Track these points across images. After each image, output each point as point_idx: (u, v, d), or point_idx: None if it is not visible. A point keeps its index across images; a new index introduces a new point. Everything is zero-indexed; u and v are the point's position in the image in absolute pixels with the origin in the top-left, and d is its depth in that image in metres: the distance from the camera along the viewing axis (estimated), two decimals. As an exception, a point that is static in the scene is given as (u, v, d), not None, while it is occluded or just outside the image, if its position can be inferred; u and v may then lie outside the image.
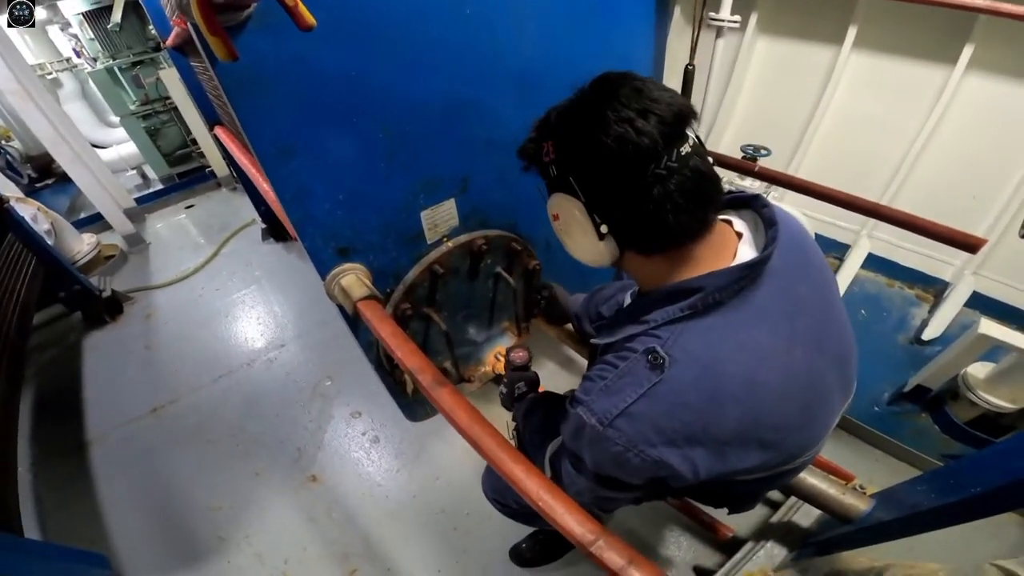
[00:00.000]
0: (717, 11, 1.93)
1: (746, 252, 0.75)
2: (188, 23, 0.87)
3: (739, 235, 0.78)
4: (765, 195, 2.04)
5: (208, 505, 2.03)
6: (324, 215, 1.19)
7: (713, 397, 0.67)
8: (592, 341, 0.86)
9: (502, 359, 1.77)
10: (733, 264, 0.72)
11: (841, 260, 2.48)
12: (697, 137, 0.70)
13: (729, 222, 0.80)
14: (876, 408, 1.91)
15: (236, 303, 3.23)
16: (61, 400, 2.67)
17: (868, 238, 2.45)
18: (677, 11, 2.34)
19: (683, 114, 0.67)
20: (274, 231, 3.75)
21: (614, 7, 1.53)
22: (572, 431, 0.78)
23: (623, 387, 0.70)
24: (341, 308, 1.29)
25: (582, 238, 0.76)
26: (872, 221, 2.38)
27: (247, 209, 3.91)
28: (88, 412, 2.56)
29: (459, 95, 1.28)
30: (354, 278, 1.23)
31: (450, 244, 1.49)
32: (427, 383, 0.96)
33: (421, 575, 1.74)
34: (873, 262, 2.46)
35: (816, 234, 2.30)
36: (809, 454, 0.83)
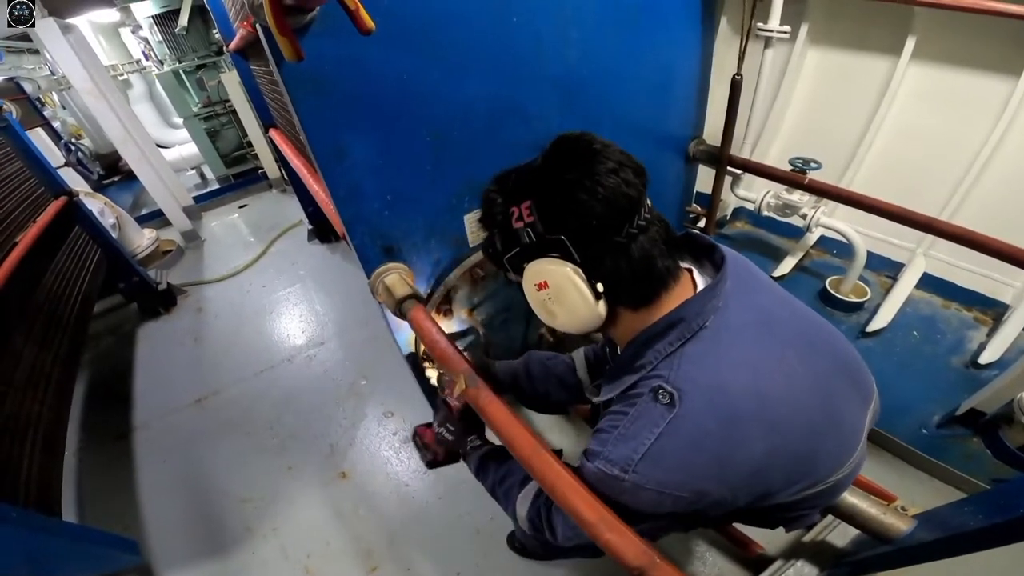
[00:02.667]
0: (766, 21, 1.89)
1: (702, 282, 0.78)
2: (257, 25, 0.92)
3: (689, 270, 0.80)
4: (816, 209, 1.98)
5: (240, 496, 2.08)
6: (373, 214, 1.23)
7: (730, 419, 0.66)
8: (594, 400, 0.86)
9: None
10: (698, 292, 0.75)
11: (894, 279, 2.37)
12: None
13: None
14: (924, 431, 1.83)
15: (281, 300, 3.35)
16: (112, 387, 2.81)
17: (924, 257, 2.33)
18: (723, 21, 2.31)
19: (644, 169, 0.70)
20: (320, 232, 3.88)
21: (659, 16, 1.54)
22: (591, 484, 0.76)
23: (639, 431, 0.69)
24: (383, 306, 1.32)
25: (578, 303, 0.72)
26: (928, 239, 2.27)
27: (295, 210, 4.06)
28: (136, 400, 2.69)
29: (504, 100, 1.31)
30: (397, 277, 1.26)
31: (490, 249, 1.51)
32: (464, 382, 0.97)
33: (440, 576, 1.74)
34: (928, 282, 2.34)
35: (868, 252, 2.21)
36: (850, 466, 0.81)
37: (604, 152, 0.67)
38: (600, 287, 0.71)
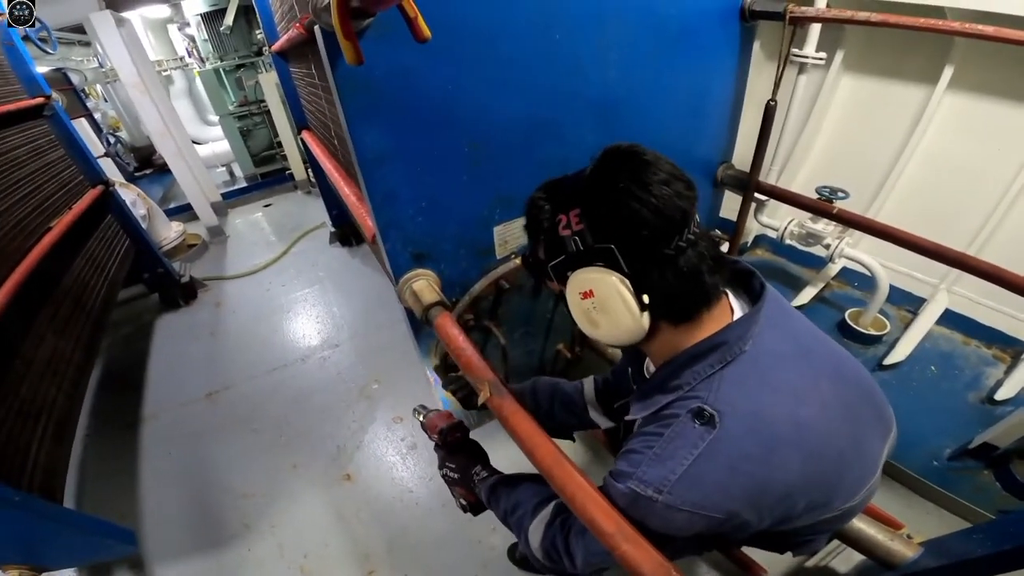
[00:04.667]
0: (801, 47, 1.90)
1: (737, 306, 0.78)
2: (315, 27, 0.95)
3: (726, 293, 0.79)
4: (840, 240, 1.97)
5: (242, 492, 2.09)
6: (407, 220, 1.25)
7: (769, 444, 0.66)
8: (626, 418, 0.85)
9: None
10: (737, 317, 0.75)
11: (914, 313, 2.34)
12: None
13: None
14: (935, 462, 1.84)
15: (299, 300, 3.39)
16: (126, 376, 2.85)
17: (947, 292, 2.30)
18: (757, 45, 2.32)
19: (694, 183, 0.70)
20: (341, 235, 3.93)
21: (698, 41, 1.55)
22: (620, 507, 0.74)
23: (675, 451, 0.68)
24: (409, 311, 1.33)
25: (623, 314, 0.71)
26: (953, 274, 2.24)
27: (318, 212, 4.13)
28: (148, 390, 2.73)
29: (541, 116, 1.33)
30: (425, 283, 1.27)
31: (518, 261, 1.52)
32: (489, 391, 0.97)
33: (437, 585, 1.72)
34: (950, 318, 2.30)
35: (890, 285, 2.18)
36: (865, 493, 0.80)
37: (656, 163, 0.67)
38: (646, 299, 0.70)
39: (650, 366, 0.94)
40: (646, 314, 0.71)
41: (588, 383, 1.26)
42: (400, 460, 2.16)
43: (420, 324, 1.29)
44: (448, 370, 1.63)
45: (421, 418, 1.28)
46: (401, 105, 1.08)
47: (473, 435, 1.90)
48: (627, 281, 0.69)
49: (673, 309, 0.72)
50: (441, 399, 1.80)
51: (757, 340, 0.71)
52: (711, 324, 0.74)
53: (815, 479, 0.70)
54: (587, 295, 0.73)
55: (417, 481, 2.06)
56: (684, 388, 0.72)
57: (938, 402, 2.02)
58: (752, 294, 0.79)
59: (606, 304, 0.71)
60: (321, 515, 1.97)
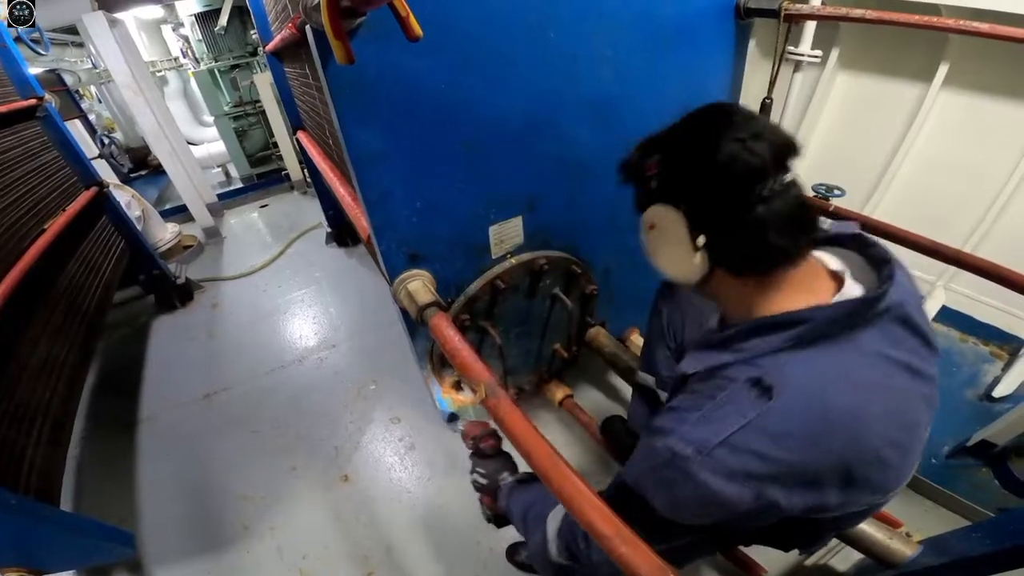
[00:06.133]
0: (797, 45, 1.90)
1: (853, 289, 0.73)
2: (307, 27, 0.95)
3: (834, 272, 0.76)
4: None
5: (240, 494, 2.07)
6: (401, 220, 1.25)
7: (819, 430, 0.65)
8: (678, 370, 0.83)
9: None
10: (839, 298, 0.71)
11: (912, 312, 2.35)
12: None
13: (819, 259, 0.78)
14: (933, 460, 1.85)
15: (295, 301, 3.37)
16: (122, 378, 2.83)
17: (944, 289, 2.31)
18: (752, 43, 2.32)
19: (791, 145, 0.69)
20: (338, 236, 3.91)
21: (693, 38, 1.55)
22: (650, 467, 0.74)
23: (726, 415, 0.67)
24: (404, 312, 1.32)
25: (676, 248, 0.75)
26: (950, 271, 2.25)
27: (314, 213, 4.11)
28: (145, 392, 2.71)
29: (537, 115, 1.32)
30: (420, 284, 1.27)
31: (513, 261, 1.52)
32: (485, 391, 0.97)
33: (436, 586, 1.71)
34: (947, 315, 2.32)
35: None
36: (894, 493, 0.78)
37: (741, 123, 0.69)
38: (701, 240, 0.72)
39: (713, 321, 0.95)
40: (700, 254, 0.73)
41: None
42: (398, 461, 2.15)
43: (416, 325, 1.28)
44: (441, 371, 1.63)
45: (462, 427, 1.31)
46: (394, 105, 1.08)
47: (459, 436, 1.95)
48: (684, 220, 0.73)
49: (730, 258, 0.73)
50: (438, 400, 1.80)
51: (855, 334, 0.68)
52: (786, 291, 0.73)
53: (855, 472, 0.68)
54: (653, 227, 0.79)
55: (415, 482, 2.05)
56: (747, 353, 0.71)
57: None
58: (877, 284, 0.73)
59: (663, 237, 0.77)
60: (320, 516, 1.96)
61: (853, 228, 0.83)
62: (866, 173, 2.32)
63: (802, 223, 0.70)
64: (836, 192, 1.93)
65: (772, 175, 0.67)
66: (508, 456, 1.25)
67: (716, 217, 0.71)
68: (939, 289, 2.31)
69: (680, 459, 0.68)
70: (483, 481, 1.19)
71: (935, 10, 1.79)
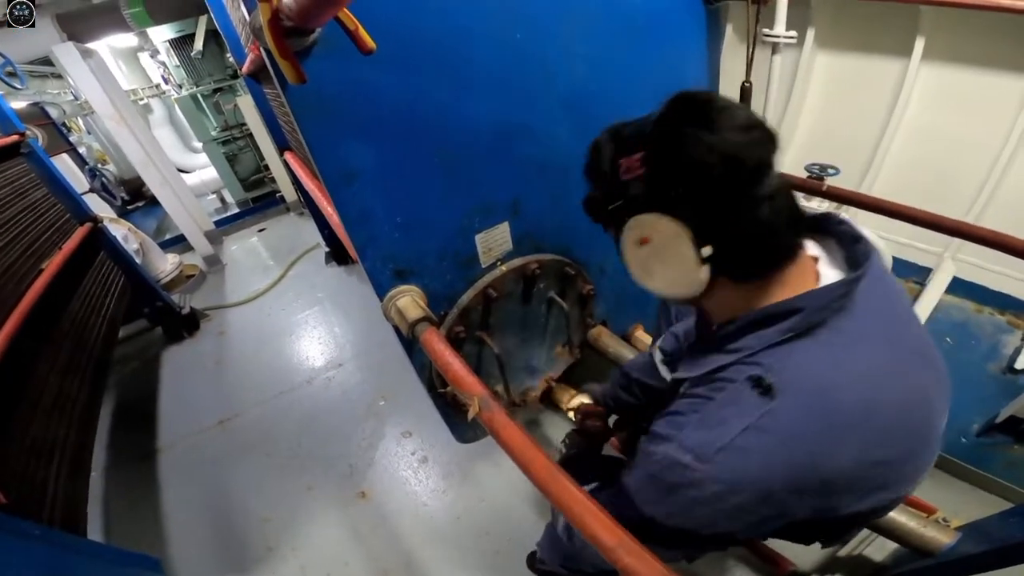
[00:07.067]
0: (771, 27, 1.87)
1: (830, 273, 0.70)
2: (261, 48, 0.94)
3: (815, 258, 0.72)
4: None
5: (261, 516, 2.10)
6: (383, 237, 1.23)
7: (829, 428, 0.61)
8: (674, 376, 0.80)
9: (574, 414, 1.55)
10: (824, 284, 0.67)
11: (922, 285, 2.29)
12: None
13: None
14: (964, 440, 1.80)
15: (300, 323, 3.40)
16: (137, 409, 2.88)
17: (952, 260, 2.26)
18: (729, 28, 2.29)
19: (776, 135, 0.64)
20: (336, 254, 3.93)
21: (666, 27, 1.53)
22: (648, 476, 0.71)
23: (727, 418, 0.63)
24: (397, 329, 1.31)
25: (678, 264, 0.67)
26: (957, 242, 2.19)
27: (312, 233, 4.13)
28: (160, 422, 2.75)
29: (511, 118, 1.31)
30: (410, 300, 1.26)
31: (504, 268, 1.50)
32: (478, 405, 0.96)
33: (458, 598, 1.72)
34: (959, 287, 2.26)
35: (893, 257, 2.14)
36: (916, 484, 0.75)
37: (731, 109, 0.62)
38: (707, 251, 0.64)
39: (689, 323, 0.92)
40: (706, 267, 0.66)
41: (659, 341, 1.24)
42: (412, 474, 2.16)
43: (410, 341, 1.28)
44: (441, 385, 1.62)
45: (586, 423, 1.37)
46: (360, 120, 1.06)
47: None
48: (688, 229, 0.64)
49: (737, 265, 0.67)
50: (442, 414, 1.79)
51: (845, 315, 0.64)
52: (783, 288, 0.68)
53: (871, 468, 0.65)
54: (644, 241, 0.69)
55: (431, 494, 2.07)
56: (744, 352, 0.67)
57: (959, 375, 1.93)
58: (854, 264, 0.69)
59: (663, 252, 0.67)
60: (339, 534, 1.98)
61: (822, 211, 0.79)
62: (859, 151, 2.29)
63: (798, 218, 0.67)
64: (830, 171, 1.90)
65: (773, 168, 0.63)
66: (601, 446, 1.32)
67: (724, 223, 0.63)
68: (947, 261, 2.26)
69: (680, 467, 0.65)
70: (565, 452, 1.26)
71: (900, -18, 1.77)
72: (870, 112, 2.20)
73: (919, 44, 1.95)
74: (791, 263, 0.67)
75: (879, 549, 1.44)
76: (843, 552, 1.49)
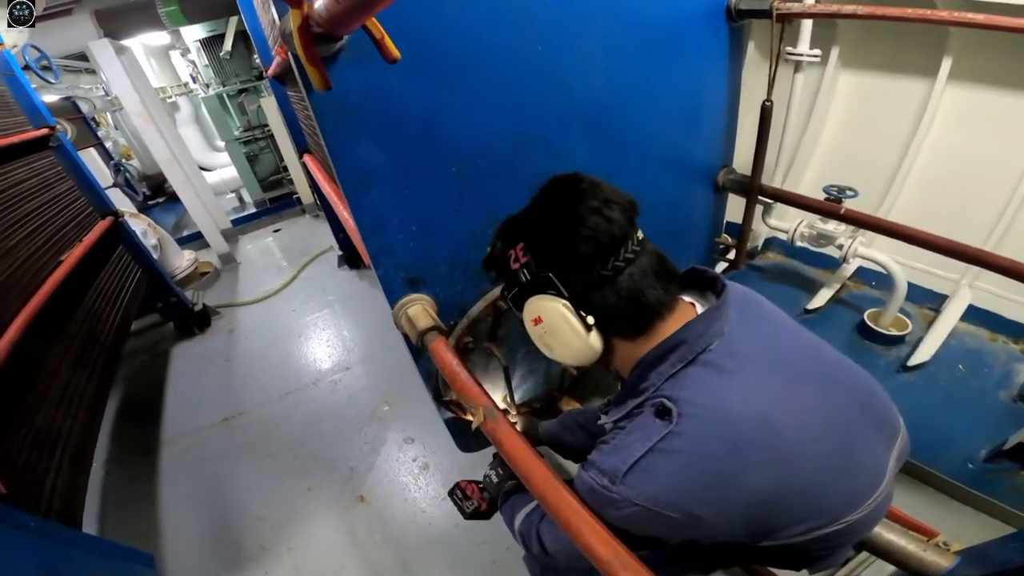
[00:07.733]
0: (795, 45, 1.87)
1: (702, 307, 0.80)
2: (288, 52, 0.95)
3: (692, 303, 0.81)
4: (852, 239, 1.93)
5: (257, 515, 2.11)
6: (397, 245, 1.24)
7: (735, 443, 0.66)
8: (599, 423, 0.88)
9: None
10: (699, 314, 0.76)
11: (937, 311, 2.26)
12: None
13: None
14: (970, 465, 1.77)
15: (309, 325, 3.42)
16: (143, 404, 2.91)
17: (969, 288, 2.22)
18: (751, 46, 2.29)
19: (634, 204, 0.74)
20: (349, 259, 3.95)
21: (686, 42, 1.53)
22: (582, 494, 0.77)
23: (631, 442, 0.70)
24: (406, 336, 1.32)
25: (569, 336, 0.75)
26: (975, 270, 2.15)
27: (326, 236, 4.16)
28: (165, 417, 2.77)
29: (529, 131, 1.31)
30: (420, 308, 1.26)
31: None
32: (483, 416, 0.96)
33: (453, 606, 1.70)
34: (974, 314, 2.22)
35: (909, 283, 2.11)
36: (869, 506, 0.77)
37: (590, 191, 0.72)
38: (591, 320, 0.74)
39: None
40: (594, 333, 0.75)
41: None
42: (412, 481, 2.16)
43: (418, 349, 1.28)
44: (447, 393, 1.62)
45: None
46: (382, 128, 1.08)
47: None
48: (569, 305, 0.74)
49: (620, 325, 0.76)
50: (446, 423, 1.79)
51: (726, 341, 0.73)
52: (668, 331, 0.75)
53: (790, 487, 0.69)
54: (538, 321, 0.78)
55: (430, 501, 2.05)
56: (650, 389, 0.74)
57: (969, 402, 1.94)
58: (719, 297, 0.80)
59: (554, 328, 0.76)
60: (336, 537, 1.97)
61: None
62: (879, 173, 2.26)
63: (666, 272, 0.75)
64: (849, 193, 1.88)
65: (632, 235, 0.71)
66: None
67: (596, 293, 0.73)
68: (964, 288, 2.22)
69: (600, 489, 0.71)
70: (495, 480, 1.21)
71: (929, 3, 1.75)
72: (892, 132, 2.18)
73: (946, 64, 1.93)
74: (670, 312, 0.76)
75: (876, 573, 1.42)
76: (840, 575, 1.47)
